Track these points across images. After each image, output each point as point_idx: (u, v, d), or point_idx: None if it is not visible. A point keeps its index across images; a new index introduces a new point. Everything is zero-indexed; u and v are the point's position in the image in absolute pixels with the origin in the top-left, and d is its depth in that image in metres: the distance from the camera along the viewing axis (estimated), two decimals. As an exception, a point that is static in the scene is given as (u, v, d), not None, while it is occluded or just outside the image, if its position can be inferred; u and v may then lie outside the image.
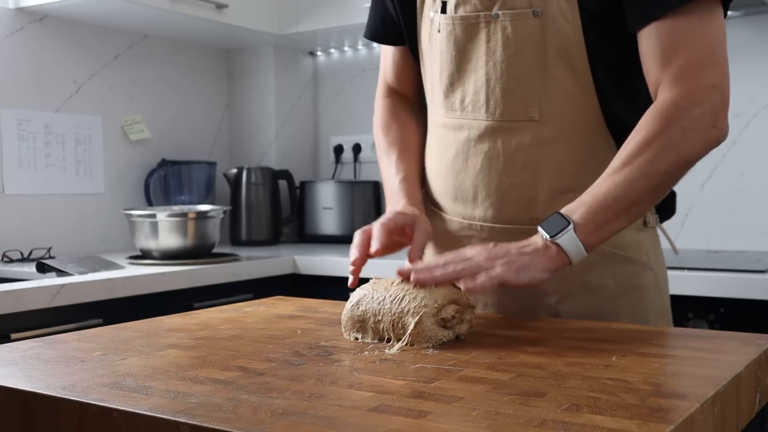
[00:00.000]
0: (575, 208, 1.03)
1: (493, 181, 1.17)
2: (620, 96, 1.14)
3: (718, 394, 0.70)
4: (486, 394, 0.69)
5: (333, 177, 3.14)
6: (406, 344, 0.91)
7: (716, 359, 0.84)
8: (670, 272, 1.85)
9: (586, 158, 1.14)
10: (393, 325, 0.93)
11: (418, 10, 1.25)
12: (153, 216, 2.28)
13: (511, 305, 1.19)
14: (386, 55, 1.38)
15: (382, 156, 1.33)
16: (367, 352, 0.88)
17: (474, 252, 1.01)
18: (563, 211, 1.03)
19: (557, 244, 1.01)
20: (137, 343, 0.94)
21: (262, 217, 2.92)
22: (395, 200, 1.24)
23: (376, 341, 0.94)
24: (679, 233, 2.42)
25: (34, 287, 1.77)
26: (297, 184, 3.03)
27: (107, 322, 1.42)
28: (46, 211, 2.52)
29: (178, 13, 2.51)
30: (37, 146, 2.49)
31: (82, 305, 1.86)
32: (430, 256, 1.28)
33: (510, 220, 1.17)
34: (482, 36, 1.15)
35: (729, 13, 2.28)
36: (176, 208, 2.37)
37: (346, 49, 3.14)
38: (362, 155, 3.06)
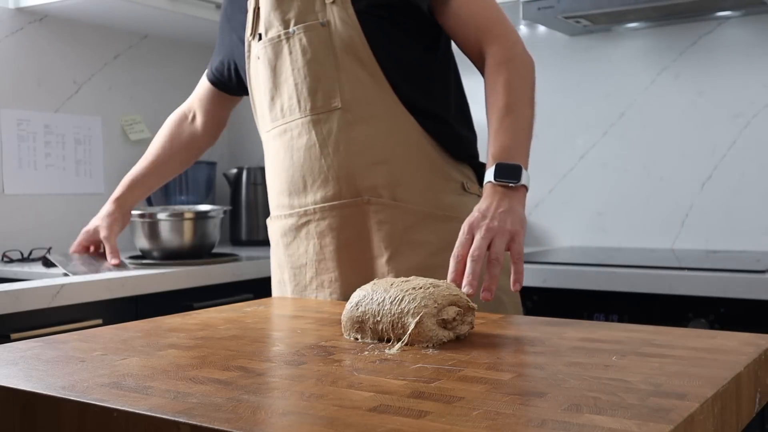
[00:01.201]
0: (505, 153, 1.23)
1: (315, 167, 1.36)
2: (408, 80, 1.36)
3: (718, 394, 0.70)
4: (486, 394, 0.69)
5: (333, 177, 3.14)
6: (406, 344, 0.91)
7: (716, 359, 0.84)
8: (670, 272, 1.85)
9: (390, 134, 1.35)
10: (392, 326, 0.93)
11: (246, 56, 1.48)
12: (153, 216, 2.28)
13: (351, 275, 1.36)
14: (204, 87, 1.72)
15: None
16: (367, 352, 0.88)
17: (476, 235, 1.13)
18: (498, 159, 1.22)
19: (522, 185, 1.20)
20: (137, 343, 0.94)
21: (263, 217, 2.92)
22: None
23: (375, 341, 0.94)
24: (679, 233, 2.42)
25: (34, 287, 1.77)
26: (297, 184, 3.03)
27: (107, 322, 1.42)
28: (46, 211, 2.52)
29: (178, 13, 2.51)
30: (37, 146, 2.49)
31: (82, 305, 1.86)
32: (280, 255, 1.47)
33: (336, 197, 1.36)
34: (285, 51, 1.38)
35: (729, 13, 2.31)
36: (176, 208, 2.36)
37: (346, 49, 3.13)
38: (362, 155, 3.06)
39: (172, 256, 2.26)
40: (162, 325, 1.07)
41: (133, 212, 2.30)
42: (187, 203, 2.83)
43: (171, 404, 0.67)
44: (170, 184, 2.82)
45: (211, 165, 2.95)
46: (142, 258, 2.31)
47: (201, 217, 2.33)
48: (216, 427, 0.61)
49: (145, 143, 2.82)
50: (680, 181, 2.42)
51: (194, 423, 0.62)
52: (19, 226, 2.43)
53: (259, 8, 1.44)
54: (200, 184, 2.88)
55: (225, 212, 2.50)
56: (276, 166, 1.44)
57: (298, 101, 1.37)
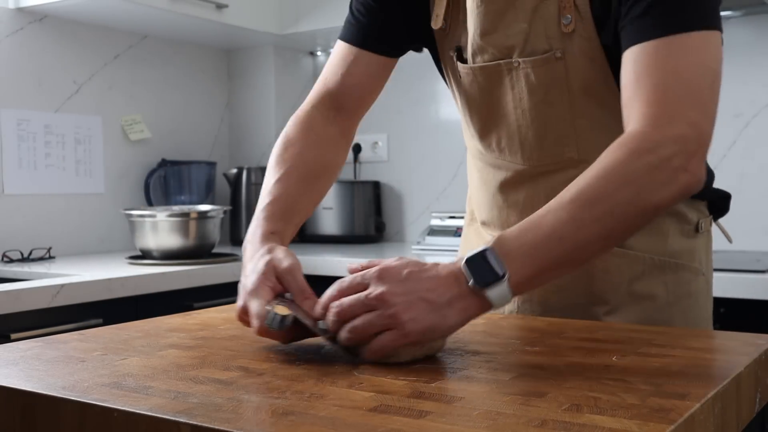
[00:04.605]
0: (512, 248, 0.84)
1: None
2: None
3: (719, 394, 0.70)
4: (486, 394, 0.69)
5: (333, 177, 3.14)
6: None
7: (716, 359, 0.84)
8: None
9: None
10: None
11: (438, 44, 1.18)
12: (153, 216, 2.28)
13: (558, 315, 1.12)
14: (344, 55, 1.20)
15: (268, 170, 1.13)
16: (367, 352, 0.88)
17: (371, 292, 0.82)
18: (497, 249, 0.83)
19: (484, 295, 0.83)
20: (137, 343, 0.94)
21: (262, 217, 2.92)
22: (254, 226, 1.03)
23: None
24: (679, 233, 2.41)
25: (34, 287, 1.77)
26: (297, 184, 3.02)
27: (107, 322, 1.42)
28: (46, 211, 2.52)
29: (178, 13, 2.51)
30: (37, 146, 2.49)
31: (82, 305, 1.86)
32: None
33: None
34: (505, 83, 1.11)
35: (729, 13, 2.31)
36: (176, 208, 2.37)
37: (346, 49, 3.13)
38: (362, 155, 3.06)
39: (172, 256, 2.27)
40: (162, 325, 1.07)
41: (133, 212, 2.31)
42: (187, 203, 2.83)
43: (171, 404, 0.67)
44: (171, 184, 2.83)
45: (211, 165, 2.95)
46: (142, 258, 2.31)
47: (201, 217, 2.33)
48: (216, 427, 0.61)
49: (145, 143, 2.83)
50: (680, 181, 2.41)
51: (195, 423, 0.62)
52: (19, 226, 2.44)
53: (451, 24, 1.15)
54: (200, 184, 2.88)
55: (225, 212, 2.50)
56: (484, 194, 1.22)
57: (521, 147, 1.13)
